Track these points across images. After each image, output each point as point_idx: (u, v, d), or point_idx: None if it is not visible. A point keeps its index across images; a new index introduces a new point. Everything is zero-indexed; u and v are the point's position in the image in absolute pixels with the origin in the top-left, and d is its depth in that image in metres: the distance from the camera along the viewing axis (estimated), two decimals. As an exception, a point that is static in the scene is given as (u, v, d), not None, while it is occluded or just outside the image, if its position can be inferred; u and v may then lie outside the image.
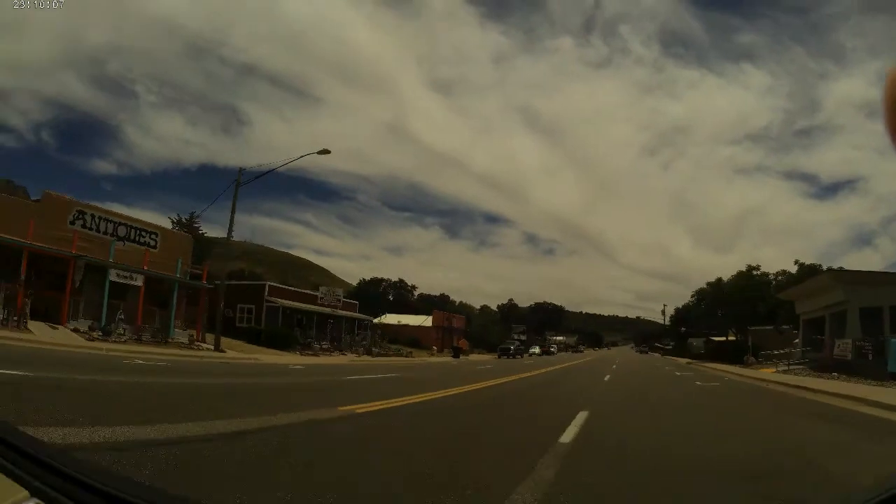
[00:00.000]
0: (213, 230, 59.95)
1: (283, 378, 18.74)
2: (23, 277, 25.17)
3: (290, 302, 44.83)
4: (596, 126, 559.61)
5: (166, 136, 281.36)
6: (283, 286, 49.00)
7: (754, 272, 65.47)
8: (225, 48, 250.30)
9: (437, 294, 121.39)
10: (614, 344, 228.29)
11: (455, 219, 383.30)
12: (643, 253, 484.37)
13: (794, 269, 60.50)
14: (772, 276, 64.48)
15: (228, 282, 36.84)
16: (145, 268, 30.42)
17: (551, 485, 4.95)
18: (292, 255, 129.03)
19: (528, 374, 27.18)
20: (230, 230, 31.59)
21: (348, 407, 9.92)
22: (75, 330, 26.33)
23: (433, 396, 13.88)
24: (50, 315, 25.93)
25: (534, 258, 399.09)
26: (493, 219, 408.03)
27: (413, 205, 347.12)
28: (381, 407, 10.64)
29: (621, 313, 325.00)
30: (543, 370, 32.88)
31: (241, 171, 31.72)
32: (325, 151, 30.96)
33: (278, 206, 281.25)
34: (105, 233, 29.40)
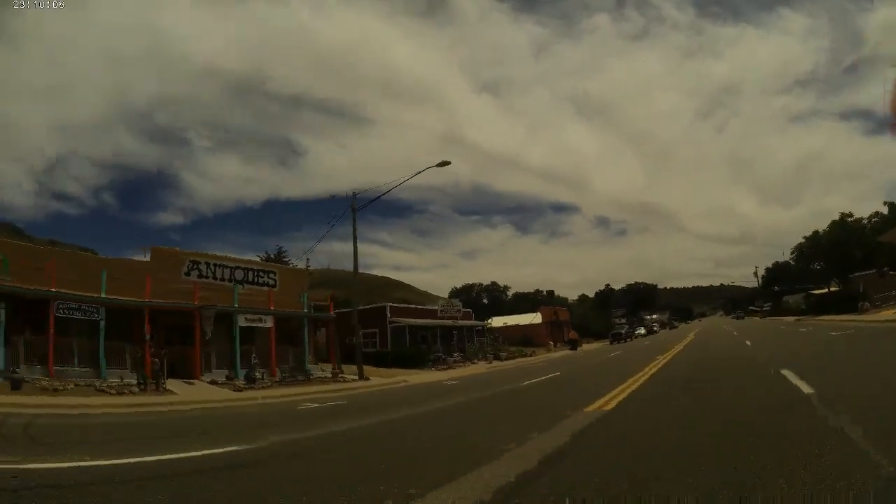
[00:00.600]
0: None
1: (478, 392, 17.51)
2: (149, 336, 23.54)
3: (415, 319, 42.66)
4: (644, 99, 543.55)
5: (225, 177, 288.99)
6: (402, 305, 46.94)
7: (847, 219, 64.04)
8: (269, 83, 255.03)
9: (532, 291, 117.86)
10: (703, 315, 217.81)
11: (523, 214, 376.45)
12: (711, 219, 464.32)
13: (884, 209, 59.81)
14: (865, 221, 63.03)
15: (348, 309, 34.77)
16: (272, 307, 28.43)
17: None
18: (374, 276, 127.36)
19: (678, 349, 28.31)
20: (356, 256, 29.60)
21: (592, 406, 9.71)
22: (213, 382, 24.42)
23: (639, 382, 13.80)
24: (178, 371, 24.16)
25: (606, 241, 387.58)
26: (559, 208, 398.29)
27: (480, 207, 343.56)
28: (617, 401, 10.26)
29: (703, 283, 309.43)
30: (681, 345, 32.77)
31: (355, 195, 29.91)
32: (446, 163, 28.93)
33: (348, 230, 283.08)
34: (223, 279, 27.45)
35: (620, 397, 10.83)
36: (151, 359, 21.96)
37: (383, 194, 29.84)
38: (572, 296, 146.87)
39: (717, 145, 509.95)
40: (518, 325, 64.36)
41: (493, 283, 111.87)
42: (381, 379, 28.48)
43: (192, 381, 24.07)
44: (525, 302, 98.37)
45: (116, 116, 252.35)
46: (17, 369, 20.08)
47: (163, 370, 22.11)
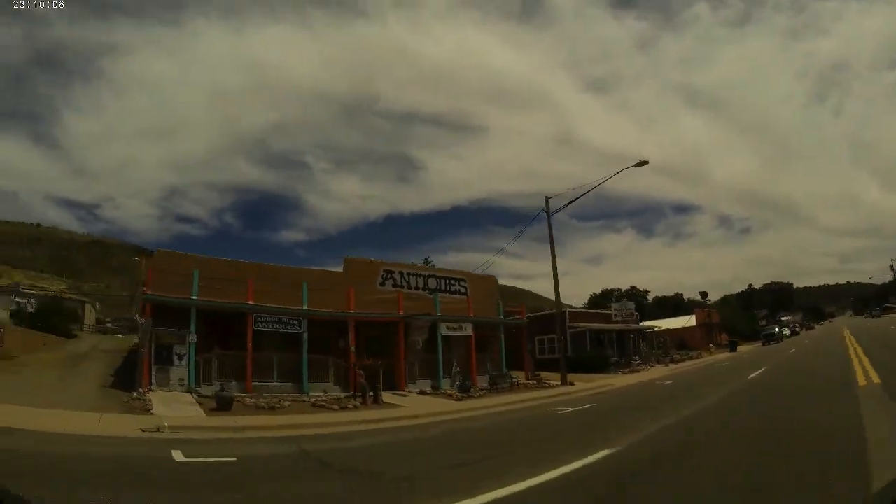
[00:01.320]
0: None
1: (721, 388, 17.53)
2: (353, 348, 22.76)
3: (595, 324, 40.09)
4: (754, 86, 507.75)
5: (345, 196, 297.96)
6: (580, 310, 44.85)
7: None
8: (380, 102, 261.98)
9: (671, 294, 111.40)
10: (832, 315, 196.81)
11: (645, 217, 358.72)
12: (833, 210, 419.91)
13: None
14: None
15: (531, 315, 33.17)
16: (471, 315, 27.24)
17: None
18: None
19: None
20: (554, 260, 27.89)
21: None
22: (422, 392, 23.38)
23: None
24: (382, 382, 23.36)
25: (730, 241, 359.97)
26: (681, 208, 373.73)
27: (601, 212, 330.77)
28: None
29: (830, 281, 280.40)
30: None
31: (548, 199, 28.28)
32: (643, 162, 26.18)
33: (468, 240, 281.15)
34: (416, 287, 26.60)
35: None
36: (360, 371, 21.13)
37: (576, 199, 27.71)
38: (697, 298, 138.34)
39: (833, 128, 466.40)
40: (671, 329, 60.25)
41: (633, 288, 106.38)
42: (585, 384, 26.20)
43: (401, 392, 23.10)
44: (664, 307, 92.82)
45: (232, 146, 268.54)
46: (227, 387, 18.74)
47: (379, 382, 21.37)
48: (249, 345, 20.50)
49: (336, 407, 18.63)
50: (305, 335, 21.74)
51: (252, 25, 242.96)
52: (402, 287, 26.00)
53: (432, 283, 27.21)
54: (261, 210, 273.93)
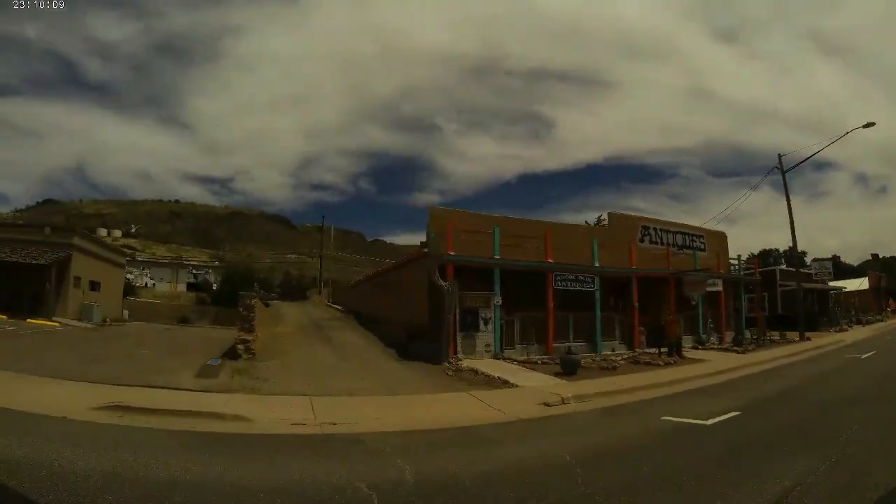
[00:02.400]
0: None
1: None
2: (636, 305, 22.77)
3: (807, 284, 38.47)
4: (891, 30, 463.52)
5: (480, 157, 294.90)
6: (787, 269, 43.35)
7: None
8: (507, 60, 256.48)
9: (829, 256, 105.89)
10: None
11: (780, 173, 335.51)
12: None
13: None
14: None
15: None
16: (720, 271, 26.49)
17: None
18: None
19: None
20: (791, 220, 27.03)
21: None
22: (694, 347, 23.22)
23: None
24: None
25: (866, 201, 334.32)
26: (819, 165, 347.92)
27: (736, 167, 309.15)
28: None
29: None
30: None
31: (781, 157, 27.31)
32: (871, 124, 25.21)
33: (604, 199, 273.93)
34: (666, 244, 26.31)
35: None
36: (675, 323, 21.10)
37: (808, 157, 26.66)
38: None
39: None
40: (843, 291, 57.28)
41: (792, 248, 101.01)
42: (820, 339, 27.02)
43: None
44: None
45: (362, 113, 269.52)
46: (529, 349, 19.47)
47: (679, 338, 21.35)
48: (551, 304, 20.22)
49: (661, 363, 18.47)
50: (598, 293, 21.41)
51: None
52: (656, 243, 25.66)
53: (679, 239, 26.59)
54: (394, 174, 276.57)
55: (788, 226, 29.79)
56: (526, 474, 6.00)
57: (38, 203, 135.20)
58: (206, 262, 78.30)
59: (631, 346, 22.20)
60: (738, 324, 27.48)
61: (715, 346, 23.86)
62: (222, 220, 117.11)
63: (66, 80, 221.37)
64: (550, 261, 20.92)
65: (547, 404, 11.09)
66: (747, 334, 26.54)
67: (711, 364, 18.52)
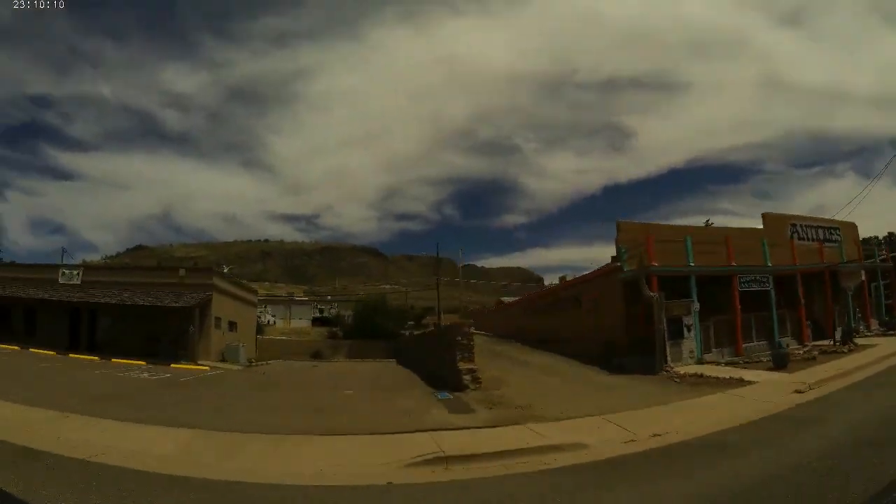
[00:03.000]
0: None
1: None
2: (802, 300, 24.37)
3: None
4: None
5: (561, 173, 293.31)
6: None
7: None
8: (578, 74, 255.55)
9: None
10: None
11: (863, 158, 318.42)
12: None
13: None
14: None
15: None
16: (860, 262, 27.99)
17: None
18: None
19: None
20: None
21: None
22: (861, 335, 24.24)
23: None
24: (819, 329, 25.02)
25: None
26: None
27: (817, 156, 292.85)
28: None
29: None
30: None
31: None
32: None
33: (691, 204, 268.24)
34: (810, 239, 28.14)
35: None
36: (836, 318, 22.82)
37: None
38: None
39: None
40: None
41: (891, 234, 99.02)
42: None
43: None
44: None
45: (439, 141, 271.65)
46: (723, 352, 20.95)
47: (850, 327, 22.79)
48: (738, 306, 21.98)
49: (844, 350, 20.12)
50: (772, 291, 23.32)
51: (432, 24, 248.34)
52: (804, 239, 27.36)
53: (820, 234, 28.41)
54: (478, 198, 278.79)
55: (871, 213, 30.38)
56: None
57: (128, 249, 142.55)
58: (335, 296, 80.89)
59: (801, 341, 23.76)
60: (881, 311, 28.67)
61: (873, 333, 25.38)
62: (313, 256, 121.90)
63: (145, 132, 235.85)
64: (734, 264, 22.80)
65: (798, 391, 12.80)
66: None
67: (884, 347, 20.09)
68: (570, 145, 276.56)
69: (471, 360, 16.57)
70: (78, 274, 32.29)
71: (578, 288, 27.27)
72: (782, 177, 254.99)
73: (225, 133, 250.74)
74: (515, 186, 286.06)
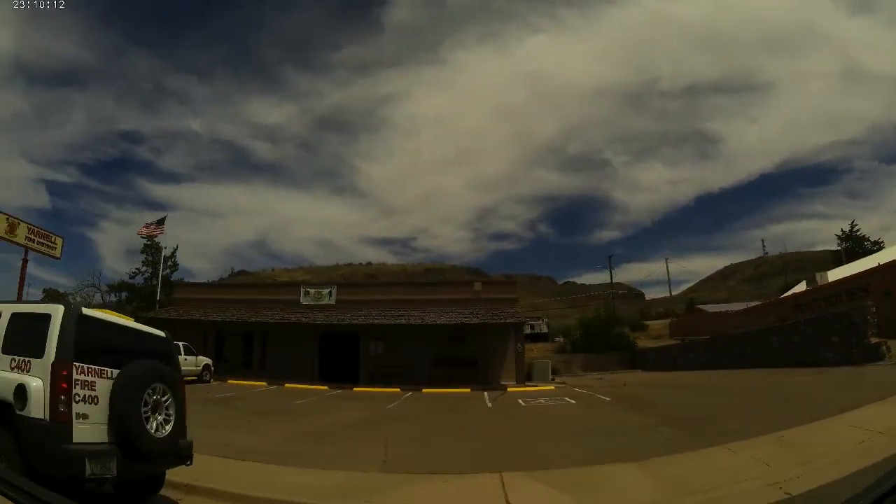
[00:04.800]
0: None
1: None
2: None
3: None
4: None
5: (652, 185, 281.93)
6: None
7: None
8: (660, 82, 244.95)
9: None
10: None
11: None
12: None
13: None
14: None
15: None
16: None
17: None
18: (814, 252, 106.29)
19: None
20: None
21: None
22: None
23: None
24: None
25: None
26: None
27: None
28: None
29: None
30: None
31: None
32: None
33: (781, 209, 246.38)
34: None
35: None
36: None
37: None
38: None
39: None
40: None
41: None
42: None
43: None
44: None
45: (529, 159, 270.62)
46: None
47: None
48: None
49: None
50: None
51: (511, 43, 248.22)
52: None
53: None
54: (571, 214, 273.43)
55: None
56: None
57: (230, 275, 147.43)
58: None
59: None
60: None
61: None
62: (418, 277, 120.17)
63: (237, 163, 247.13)
64: None
65: None
66: None
67: None
68: (659, 156, 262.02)
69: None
70: (330, 293, 29.97)
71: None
72: (873, 174, 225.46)
73: (316, 161, 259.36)
74: (608, 201, 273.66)
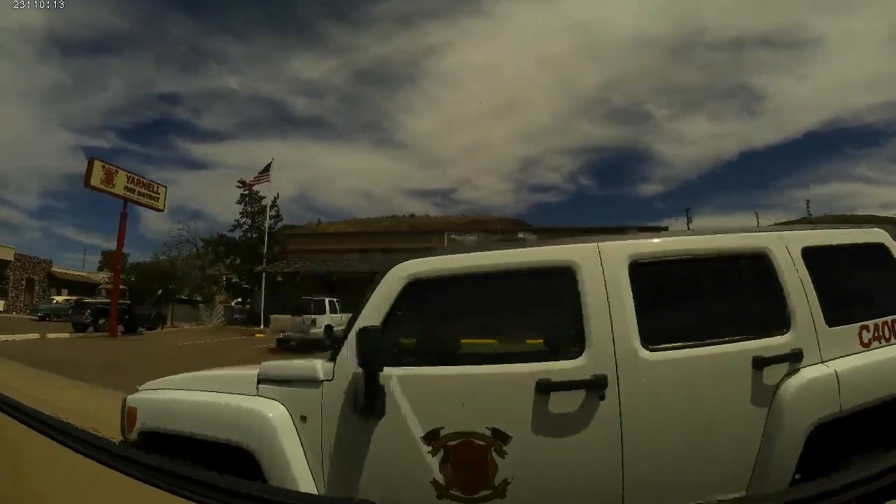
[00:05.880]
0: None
1: None
2: None
3: None
4: None
5: (696, 139, 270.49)
6: None
7: None
8: (705, 34, 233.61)
9: None
10: None
11: None
12: None
13: None
14: None
15: None
16: None
17: None
18: (858, 216, 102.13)
19: None
20: None
21: None
22: None
23: None
24: None
25: None
26: None
27: None
28: None
29: None
30: None
31: None
32: None
33: (826, 170, 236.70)
34: None
35: None
36: None
37: None
38: None
39: None
40: None
41: None
42: None
43: None
44: None
45: (573, 110, 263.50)
46: None
47: None
48: None
49: None
50: None
51: None
52: None
53: None
54: (613, 167, 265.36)
55: None
56: None
57: (274, 230, 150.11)
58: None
59: None
60: None
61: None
62: (463, 229, 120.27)
63: (277, 119, 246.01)
64: None
65: None
66: None
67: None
68: (703, 110, 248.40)
69: None
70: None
71: None
72: None
73: (358, 114, 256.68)
74: (651, 154, 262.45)
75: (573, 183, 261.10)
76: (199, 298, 33.77)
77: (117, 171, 21.44)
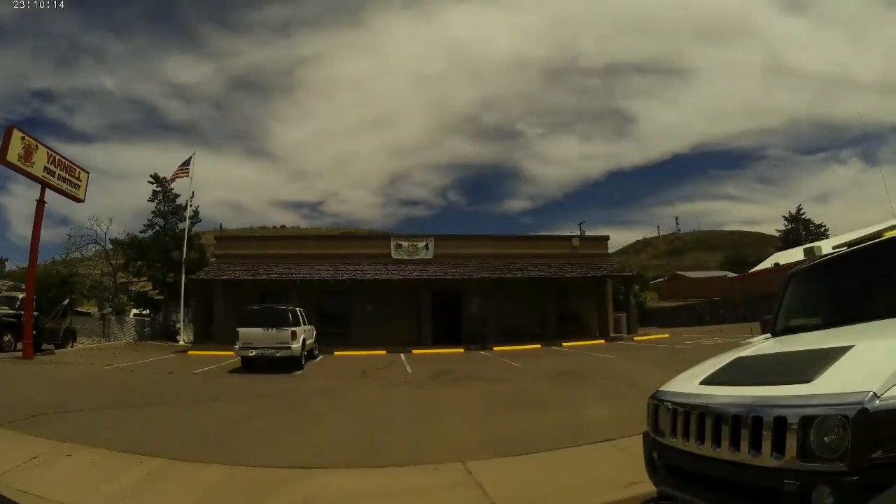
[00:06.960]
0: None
1: None
2: None
3: None
4: None
5: (565, 159, 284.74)
6: None
7: None
8: (581, 59, 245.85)
9: None
10: None
11: (869, 144, 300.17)
12: None
13: None
14: None
15: None
16: None
17: None
18: (724, 232, 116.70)
19: None
20: None
21: None
22: None
23: None
24: None
25: None
26: None
27: (822, 143, 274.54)
28: None
29: None
30: None
31: None
32: None
33: (695, 189, 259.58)
34: None
35: None
36: None
37: None
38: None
39: None
40: None
41: None
42: None
43: None
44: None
45: (444, 127, 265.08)
46: None
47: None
48: None
49: None
50: None
51: (436, 10, 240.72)
52: None
53: None
54: (483, 183, 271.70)
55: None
56: None
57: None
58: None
59: None
60: None
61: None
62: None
63: (149, 123, 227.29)
64: None
65: None
66: None
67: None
68: (573, 131, 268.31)
69: None
70: (427, 247, 26.38)
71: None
72: (787, 163, 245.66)
73: (230, 122, 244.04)
74: (520, 172, 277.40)
75: (443, 198, 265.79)
76: (109, 310, 28.55)
77: (38, 147, 17.16)
